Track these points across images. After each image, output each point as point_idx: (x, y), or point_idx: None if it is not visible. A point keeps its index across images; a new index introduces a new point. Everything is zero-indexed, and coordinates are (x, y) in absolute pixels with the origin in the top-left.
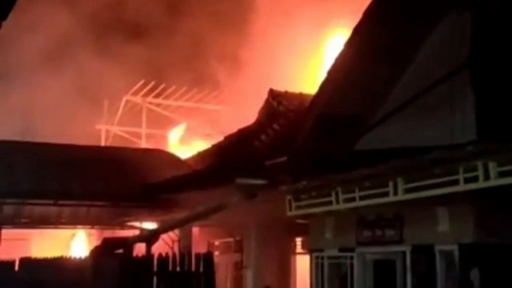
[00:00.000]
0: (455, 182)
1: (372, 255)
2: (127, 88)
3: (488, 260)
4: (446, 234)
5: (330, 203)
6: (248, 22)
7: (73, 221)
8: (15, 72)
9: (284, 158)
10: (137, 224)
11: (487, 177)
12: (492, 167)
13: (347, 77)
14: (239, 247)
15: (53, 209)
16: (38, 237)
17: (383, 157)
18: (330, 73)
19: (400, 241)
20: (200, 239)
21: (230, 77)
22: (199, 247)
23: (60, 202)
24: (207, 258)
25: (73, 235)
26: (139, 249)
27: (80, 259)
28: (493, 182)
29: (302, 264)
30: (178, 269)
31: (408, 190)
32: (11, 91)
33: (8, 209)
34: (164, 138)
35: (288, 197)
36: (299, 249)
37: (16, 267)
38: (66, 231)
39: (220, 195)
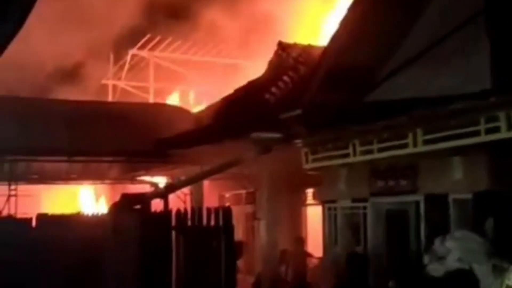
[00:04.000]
0: (476, 133)
1: (385, 205)
2: (132, 43)
3: (503, 209)
4: (461, 182)
5: (347, 155)
6: None
7: (84, 177)
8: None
9: (299, 111)
10: (147, 178)
11: (509, 127)
12: None
13: (359, 27)
14: (251, 199)
15: (64, 165)
16: (46, 193)
17: (399, 108)
18: (342, 23)
19: (413, 191)
20: (211, 192)
21: (237, 30)
22: (210, 200)
23: (73, 158)
24: (226, 212)
25: (79, 190)
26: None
27: (97, 215)
28: None
29: (313, 214)
30: (196, 223)
31: (427, 141)
32: (20, 47)
33: (20, 165)
34: (172, 92)
35: (305, 150)
36: (309, 200)
37: (33, 224)
38: (73, 186)
39: (233, 149)
